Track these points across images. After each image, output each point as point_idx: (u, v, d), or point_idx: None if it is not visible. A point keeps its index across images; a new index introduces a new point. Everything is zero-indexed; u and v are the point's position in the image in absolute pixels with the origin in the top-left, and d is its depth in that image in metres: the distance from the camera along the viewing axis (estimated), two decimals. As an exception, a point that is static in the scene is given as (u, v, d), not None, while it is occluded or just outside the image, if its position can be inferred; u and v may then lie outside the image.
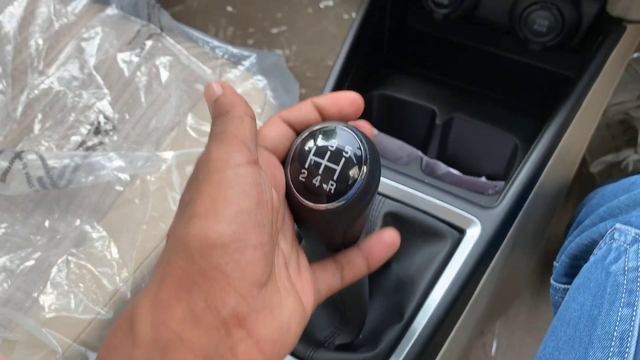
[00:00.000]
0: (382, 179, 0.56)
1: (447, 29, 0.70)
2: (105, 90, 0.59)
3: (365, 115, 0.72)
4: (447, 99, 0.69)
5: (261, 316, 0.30)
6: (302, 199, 0.34)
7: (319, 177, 0.33)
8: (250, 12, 1.23)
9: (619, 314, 0.37)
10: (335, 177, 0.33)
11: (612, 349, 0.36)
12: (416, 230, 0.54)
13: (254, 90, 0.57)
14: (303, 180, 0.34)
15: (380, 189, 0.56)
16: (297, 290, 0.34)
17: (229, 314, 0.29)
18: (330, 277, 0.38)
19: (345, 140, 0.34)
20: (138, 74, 0.59)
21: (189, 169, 0.52)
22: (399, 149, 0.68)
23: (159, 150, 0.53)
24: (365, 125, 0.38)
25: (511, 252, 0.58)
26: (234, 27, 1.23)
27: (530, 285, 0.89)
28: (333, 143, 0.34)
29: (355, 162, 0.33)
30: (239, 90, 0.58)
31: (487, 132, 0.67)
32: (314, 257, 0.43)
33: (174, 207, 0.52)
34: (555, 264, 0.55)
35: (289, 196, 0.35)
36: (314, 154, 0.34)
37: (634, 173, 0.88)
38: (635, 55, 0.96)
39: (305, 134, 0.35)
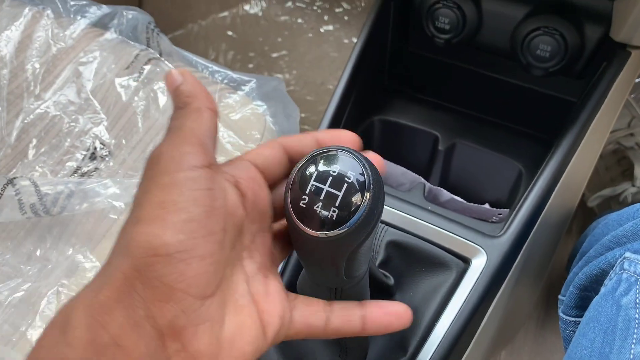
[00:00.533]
0: (384, 206, 0.55)
1: (449, 53, 0.69)
2: (102, 115, 0.58)
3: (366, 140, 0.71)
4: (450, 125, 0.68)
5: (200, 330, 0.29)
6: (302, 226, 0.33)
7: (320, 204, 0.32)
8: (250, 36, 1.23)
9: (632, 351, 0.35)
10: (337, 204, 0.32)
11: None
12: (420, 259, 0.52)
13: (254, 115, 0.56)
14: (303, 206, 0.33)
15: (383, 216, 0.54)
16: (257, 308, 0.33)
17: (166, 325, 0.28)
18: (312, 313, 0.36)
19: (347, 166, 0.33)
20: (135, 98, 0.58)
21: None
22: (401, 176, 0.66)
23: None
24: (374, 157, 0.37)
25: (517, 282, 0.56)
26: (234, 51, 1.23)
27: (535, 313, 0.87)
28: (335, 168, 0.33)
29: (358, 188, 0.32)
30: (237, 117, 0.57)
31: (490, 158, 0.66)
32: (310, 291, 0.41)
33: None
34: (561, 297, 0.53)
35: (289, 223, 0.34)
36: (315, 180, 0.33)
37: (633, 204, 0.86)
38: (637, 80, 0.96)
39: (307, 158, 0.34)
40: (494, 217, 0.64)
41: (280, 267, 0.53)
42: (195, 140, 0.30)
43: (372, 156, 0.37)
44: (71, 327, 0.27)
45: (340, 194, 0.32)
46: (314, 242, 0.34)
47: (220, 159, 0.32)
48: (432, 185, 0.64)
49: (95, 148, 0.57)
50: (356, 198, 0.32)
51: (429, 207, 0.57)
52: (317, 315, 0.36)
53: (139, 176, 0.31)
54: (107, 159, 0.56)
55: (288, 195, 0.34)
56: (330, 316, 0.36)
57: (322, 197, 0.33)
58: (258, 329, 0.32)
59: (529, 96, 0.68)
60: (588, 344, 0.38)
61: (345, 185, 0.33)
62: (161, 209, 0.28)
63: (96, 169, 0.56)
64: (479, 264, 0.51)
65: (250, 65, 1.20)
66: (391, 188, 0.58)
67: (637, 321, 0.36)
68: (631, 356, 0.35)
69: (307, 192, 0.33)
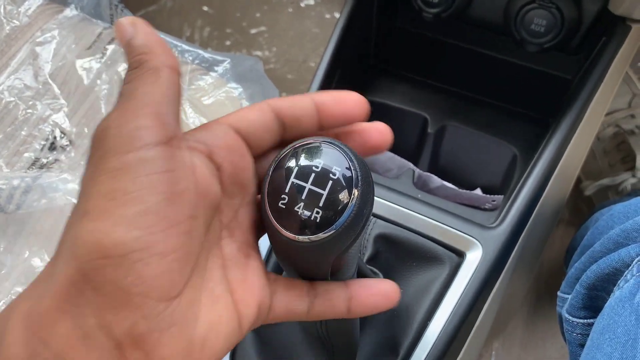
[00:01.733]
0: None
1: (439, 29, 0.65)
2: (62, 101, 0.53)
3: (352, 123, 0.68)
4: (440, 106, 0.64)
5: (166, 335, 0.25)
6: (282, 229, 0.29)
7: (301, 204, 0.29)
8: (227, 11, 1.17)
9: None
10: (321, 204, 0.28)
11: None
12: (411, 254, 0.49)
13: (228, 99, 0.51)
14: (283, 207, 0.29)
15: (371, 207, 0.51)
16: (233, 298, 0.29)
17: (124, 334, 0.24)
18: (294, 299, 0.32)
19: (332, 159, 0.29)
20: (98, 82, 0.53)
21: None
22: (388, 161, 0.63)
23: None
24: (382, 128, 0.33)
25: (513, 274, 0.53)
26: (211, 28, 1.17)
27: (525, 300, 0.84)
28: (318, 163, 0.29)
29: (344, 185, 0.29)
30: (210, 101, 0.52)
31: (482, 141, 0.62)
32: None
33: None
34: (561, 294, 0.50)
35: (266, 225, 0.30)
36: (296, 176, 0.29)
37: (632, 194, 0.83)
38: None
39: (285, 151, 0.30)
40: (487, 204, 0.61)
41: (265, 252, 0.49)
42: (149, 110, 0.25)
43: (381, 127, 0.33)
44: (5, 344, 0.23)
45: (325, 193, 0.29)
46: (296, 247, 0.30)
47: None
48: (421, 171, 0.60)
49: (55, 137, 0.52)
50: (343, 196, 0.29)
51: (419, 196, 0.53)
52: (299, 301, 0.32)
53: None
54: (68, 149, 0.51)
55: (265, 193, 0.30)
56: (313, 301, 0.32)
57: (304, 197, 0.29)
58: (234, 322, 0.29)
59: (522, 74, 0.64)
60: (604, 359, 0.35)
61: (330, 182, 0.29)
62: (110, 200, 0.24)
63: (56, 160, 0.51)
64: (474, 258, 0.48)
65: (228, 43, 1.15)
66: (378, 175, 0.54)
67: None
68: None
69: (286, 190, 0.29)
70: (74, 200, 0.43)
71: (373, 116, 0.67)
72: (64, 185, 0.45)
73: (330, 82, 0.60)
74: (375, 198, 0.52)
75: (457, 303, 0.46)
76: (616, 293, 0.37)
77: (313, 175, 0.29)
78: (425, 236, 0.49)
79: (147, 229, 0.24)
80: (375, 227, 0.50)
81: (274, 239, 0.31)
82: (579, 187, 0.89)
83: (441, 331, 0.45)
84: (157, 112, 0.25)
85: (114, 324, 0.24)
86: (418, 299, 0.47)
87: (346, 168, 0.29)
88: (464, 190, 0.60)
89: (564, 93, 0.62)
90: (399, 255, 0.49)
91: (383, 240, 0.49)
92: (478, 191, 0.63)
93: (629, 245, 0.40)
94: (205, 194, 0.28)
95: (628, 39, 0.56)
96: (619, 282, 0.38)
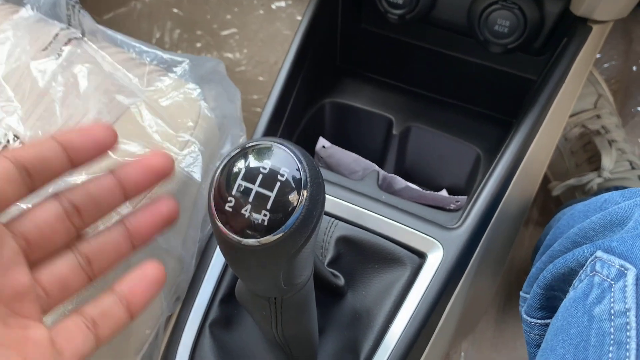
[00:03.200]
0: (334, 198, 0.51)
1: (404, 31, 0.65)
2: (16, 104, 0.52)
3: (316, 125, 0.67)
4: (405, 107, 0.64)
5: None
6: (229, 232, 0.29)
7: (249, 206, 0.28)
8: (198, 13, 1.16)
9: None
10: (268, 206, 0.28)
11: None
12: (372, 256, 0.48)
13: (186, 100, 0.50)
14: (229, 209, 0.28)
15: (333, 209, 0.50)
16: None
17: None
18: (80, 342, 0.30)
19: (280, 160, 0.29)
20: (54, 84, 0.51)
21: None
22: (353, 163, 0.62)
23: (73, 174, 0.46)
24: (161, 154, 0.33)
25: (476, 274, 0.53)
26: (181, 30, 1.15)
27: (495, 300, 0.84)
28: (266, 164, 0.29)
29: (293, 186, 0.28)
30: (167, 102, 0.51)
31: (447, 142, 0.62)
32: (250, 301, 0.37)
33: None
34: (522, 294, 0.50)
35: (214, 228, 0.30)
36: (243, 178, 0.28)
37: (598, 194, 0.84)
38: (598, 55, 0.93)
39: (233, 152, 0.30)
40: (451, 205, 0.61)
41: (219, 271, 0.48)
42: None
43: (160, 153, 0.33)
44: None
45: (273, 195, 0.28)
46: (244, 250, 0.29)
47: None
48: (386, 173, 0.60)
49: (7, 141, 0.50)
50: (291, 198, 0.28)
51: (383, 197, 0.53)
52: (86, 341, 0.30)
53: None
54: (21, 153, 0.49)
55: (211, 196, 0.30)
56: (97, 331, 0.31)
57: (251, 199, 0.28)
58: None
59: (487, 75, 0.64)
60: None
61: (278, 183, 0.28)
62: None
63: (9, 164, 0.49)
64: (435, 259, 0.47)
65: (198, 45, 1.14)
66: (343, 177, 0.54)
67: (612, 337, 0.31)
68: None
69: (233, 192, 0.29)
70: (25, 206, 0.42)
71: (339, 118, 0.67)
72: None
73: (294, 84, 0.59)
74: (338, 200, 0.51)
75: (417, 305, 0.45)
76: (570, 293, 0.37)
77: (260, 176, 0.29)
78: (387, 237, 0.48)
79: None
80: (336, 230, 0.49)
81: (222, 243, 0.30)
82: (547, 187, 0.89)
83: (402, 334, 0.45)
84: None
85: None
86: (379, 301, 0.47)
87: (295, 169, 0.29)
88: (429, 192, 0.60)
89: (528, 94, 0.62)
90: (360, 258, 0.49)
91: (344, 242, 0.49)
92: (444, 192, 0.63)
93: (586, 244, 0.40)
94: None
95: (589, 39, 0.57)
96: (573, 282, 0.37)
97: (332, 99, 0.65)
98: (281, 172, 0.28)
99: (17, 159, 0.28)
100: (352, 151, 0.62)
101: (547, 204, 0.95)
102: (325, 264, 0.48)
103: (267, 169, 0.29)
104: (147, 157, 0.32)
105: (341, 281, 0.47)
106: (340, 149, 0.62)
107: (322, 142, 0.63)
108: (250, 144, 0.30)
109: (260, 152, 0.29)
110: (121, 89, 0.51)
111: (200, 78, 0.55)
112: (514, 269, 0.88)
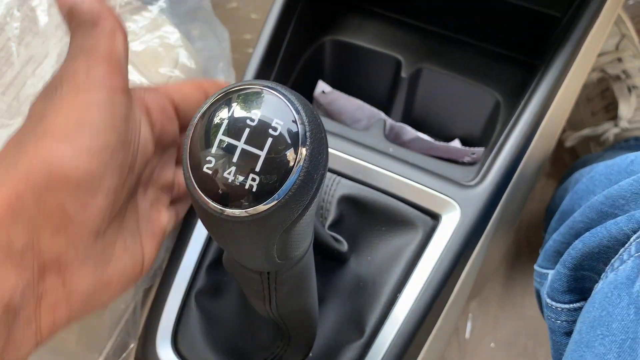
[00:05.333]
0: (335, 152, 0.45)
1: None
2: (-33, 40, 0.45)
3: (315, 67, 0.60)
4: (415, 46, 0.57)
5: (84, 268, 0.28)
6: (208, 200, 0.23)
7: (233, 168, 0.22)
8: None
9: None
10: (258, 168, 0.22)
11: None
12: (380, 217, 0.43)
13: (163, 46, 0.43)
14: (208, 171, 0.23)
15: (334, 164, 0.44)
16: (142, 250, 0.32)
17: (52, 259, 0.26)
18: (166, 224, 0.35)
19: (273, 110, 0.23)
20: (8, 19, 0.44)
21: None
22: (357, 110, 0.56)
23: None
24: None
25: (493, 237, 0.47)
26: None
27: (504, 257, 0.80)
28: (255, 114, 0.23)
29: (289, 142, 0.22)
30: (141, 47, 0.44)
31: (462, 87, 0.56)
32: (238, 272, 0.32)
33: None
34: (537, 268, 0.44)
35: (190, 194, 0.24)
36: (226, 132, 0.23)
37: (615, 146, 0.77)
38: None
39: (215, 97, 0.24)
40: (466, 158, 0.55)
41: (205, 234, 0.42)
42: (115, 63, 0.28)
43: None
44: None
45: (263, 154, 0.22)
46: (229, 222, 0.24)
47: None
48: (394, 122, 0.54)
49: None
50: (286, 158, 0.22)
51: (390, 150, 0.47)
52: (170, 221, 0.36)
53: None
54: (-26, 99, 0.43)
55: (187, 155, 0.24)
56: (177, 209, 0.37)
57: (235, 159, 0.22)
58: (137, 269, 0.32)
59: (507, 11, 0.57)
60: None
61: (270, 139, 0.22)
62: (76, 126, 0.26)
63: (-39, 110, 0.43)
64: (451, 221, 0.42)
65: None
66: (345, 127, 0.48)
67: None
68: None
69: (213, 151, 0.23)
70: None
71: (341, 59, 0.60)
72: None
73: (288, 19, 0.52)
74: (340, 154, 0.45)
75: (430, 273, 0.40)
76: (609, 276, 0.31)
77: (247, 130, 0.23)
78: (396, 197, 0.43)
79: (103, 164, 0.27)
80: (339, 188, 0.43)
81: (202, 213, 0.24)
82: (560, 137, 0.83)
83: (412, 305, 0.40)
84: (120, 65, 0.28)
85: (46, 246, 0.26)
86: (386, 268, 0.42)
87: (292, 121, 0.23)
88: (441, 143, 0.54)
89: (551, 33, 0.55)
90: (365, 219, 0.43)
91: (348, 202, 0.43)
92: (456, 143, 0.57)
93: (616, 214, 0.34)
94: (144, 151, 0.31)
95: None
96: (612, 261, 0.31)
97: (333, 36, 0.58)
98: (274, 124, 0.23)
99: (209, 93, 0.32)
100: (356, 97, 0.56)
101: (560, 155, 0.89)
102: (326, 227, 0.43)
103: (256, 121, 0.23)
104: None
105: (344, 247, 0.41)
106: (342, 94, 0.56)
107: (321, 86, 0.56)
108: (235, 88, 0.24)
109: (248, 99, 0.23)
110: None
111: (183, 15, 0.47)
112: (523, 224, 0.83)
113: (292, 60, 0.55)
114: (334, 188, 0.43)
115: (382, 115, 0.55)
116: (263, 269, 0.30)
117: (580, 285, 0.35)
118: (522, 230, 0.83)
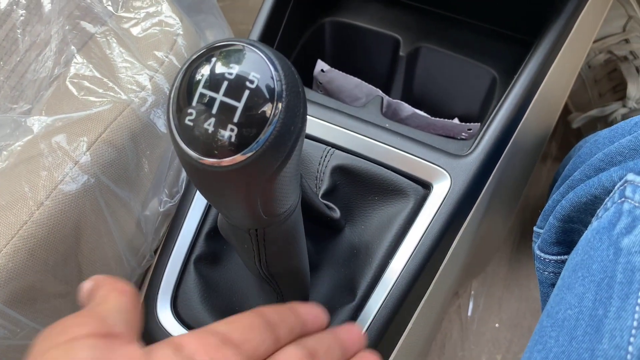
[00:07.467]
0: (329, 124, 0.46)
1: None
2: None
3: (316, 46, 0.61)
4: (413, 26, 0.58)
5: None
6: (190, 151, 0.25)
7: (212, 120, 0.24)
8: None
9: (636, 316, 0.26)
10: (235, 119, 0.24)
11: None
12: (372, 186, 0.44)
13: (162, 33, 0.44)
14: (190, 123, 0.24)
15: (328, 136, 0.45)
16: None
17: None
18: None
19: (251, 65, 0.24)
20: (15, 7, 0.46)
21: (63, 142, 0.40)
22: (355, 88, 0.57)
23: (33, 111, 0.41)
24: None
25: (487, 210, 0.48)
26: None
27: (509, 238, 0.80)
28: (232, 69, 0.24)
29: (265, 95, 0.24)
30: (142, 34, 0.45)
31: (460, 64, 0.56)
32: (231, 232, 0.33)
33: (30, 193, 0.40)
34: (537, 229, 0.45)
35: (175, 146, 0.26)
36: (206, 86, 0.24)
37: None
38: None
39: (197, 54, 0.25)
40: (462, 134, 0.55)
41: (205, 203, 0.44)
42: (92, 312, 0.27)
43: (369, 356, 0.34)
44: None
45: (240, 105, 0.24)
46: (210, 173, 0.25)
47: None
48: (391, 99, 0.54)
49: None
50: (264, 110, 0.24)
51: (387, 125, 0.48)
52: None
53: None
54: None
55: (170, 107, 0.25)
56: None
57: (214, 110, 0.24)
58: None
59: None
60: (575, 302, 0.29)
61: (247, 91, 0.24)
62: None
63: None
64: (441, 189, 0.43)
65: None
66: (342, 103, 0.49)
67: None
68: (635, 322, 0.26)
69: (193, 103, 0.24)
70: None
71: (340, 38, 0.61)
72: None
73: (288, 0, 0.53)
74: (336, 127, 0.47)
75: (421, 239, 0.41)
76: (594, 224, 0.31)
77: (226, 83, 0.24)
78: (388, 167, 0.44)
79: None
80: (332, 158, 0.44)
81: (186, 164, 0.26)
82: (567, 119, 0.83)
83: (403, 270, 0.41)
84: (99, 315, 0.27)
85: None
86: (379, 235, 0.43)
87: (269, 76, 0.24)
88: (438, 119, 0.54)
89: (546, 10, 0.55)
90: (358, 189, 0.44)
91: (341, 172, 0.44)
92: (455, 121, 0.57)
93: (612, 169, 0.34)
94: None
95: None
96: (597, 211, 0.32)
97: (333, 17, 0.59)
98: (250, 77, 0.24)
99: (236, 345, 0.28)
100: (355, 75, 0.56)
101: (567, 137, 0.89)
102: (320, 195, 0.44)
103: (234, 75, 0.24)
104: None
105: (336, 213, 0.43)
106: (341, 73, 0.57)
107: (320, 65, 0.57)
108: (217, 44, 0.25)
109: (229, 55, 0.25)
110: (88, 13, 0.45)
111: (188, 8, 0.49)
112: (529, 207, 0.84)
113: (292, 40, 0.57)
114: (328, 159, 0.44)
115: (380, 92, 0.56)
116: (251, 225, 0.31)
117: (569, 238, 0.36)
118: (528, 212, 0.83)
